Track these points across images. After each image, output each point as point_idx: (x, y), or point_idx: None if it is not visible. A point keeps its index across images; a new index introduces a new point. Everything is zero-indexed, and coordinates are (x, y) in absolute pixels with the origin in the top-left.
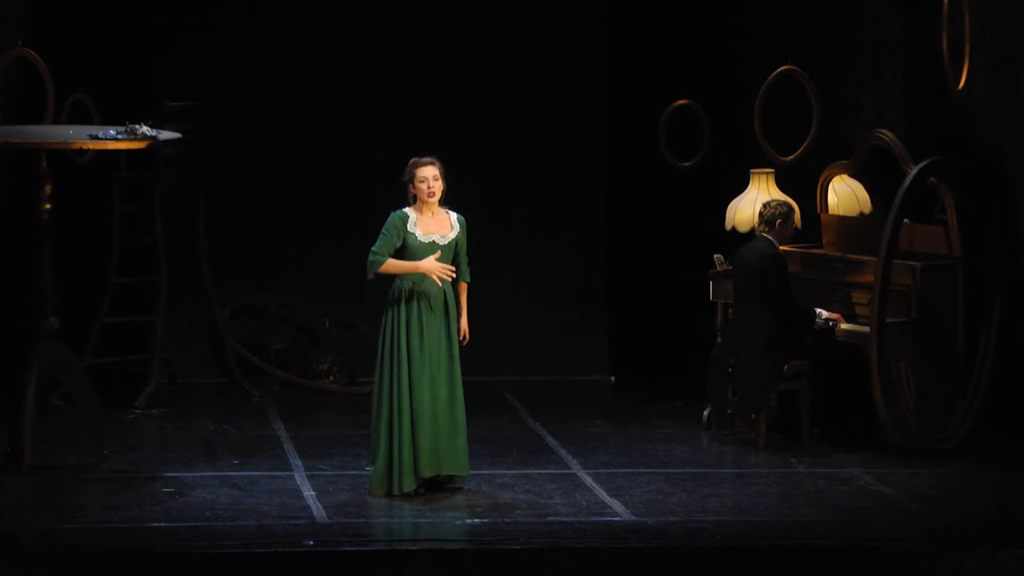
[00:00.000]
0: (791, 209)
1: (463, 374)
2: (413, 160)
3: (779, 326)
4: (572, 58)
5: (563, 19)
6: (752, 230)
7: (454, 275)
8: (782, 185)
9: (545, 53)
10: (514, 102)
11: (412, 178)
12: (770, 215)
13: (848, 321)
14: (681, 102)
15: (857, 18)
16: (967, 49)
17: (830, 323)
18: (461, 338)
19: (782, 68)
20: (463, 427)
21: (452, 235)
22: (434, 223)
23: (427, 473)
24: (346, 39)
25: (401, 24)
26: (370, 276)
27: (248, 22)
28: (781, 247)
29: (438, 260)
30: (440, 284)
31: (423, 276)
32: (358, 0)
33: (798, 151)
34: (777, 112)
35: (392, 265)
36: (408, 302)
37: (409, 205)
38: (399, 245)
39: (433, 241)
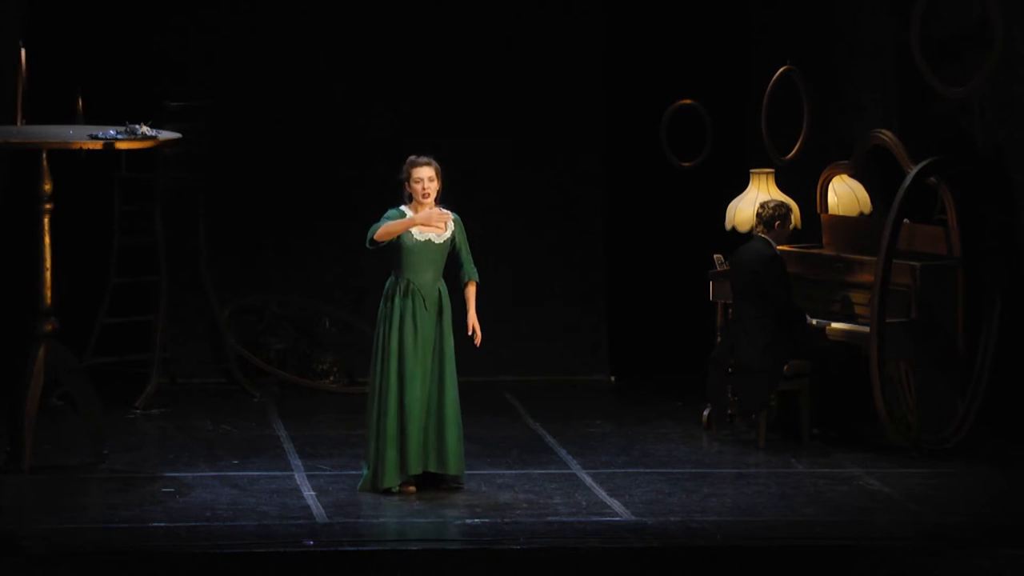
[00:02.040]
0: (789, 210)
1: (462, 374)
2: (410, 159)
3: (779, 326)
4: (572, 58)
5: (563, 19)
6: (752, 230)
7: (450, 216)
8: (782, 185)
9: (545, 53)
10: (514, 102)
11: (408, 177)
12: (769, 216)
13: (848, 321)
14: (684, 102)
15: (857, 18)
16: (995, 52)
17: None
18: (471, 334)
19: (783, 68)
20: (455, 426)
21: (447, 234)
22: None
23: (416, 470)
24: (346, 40)
25: (401, 24)
26: (368, 246)
27: (248, 22)
28: (779, 247)
29: (433, 259)
30: (445, 230)
31: (417, 275)
32: (359, 3)
33: (793, 150)
34: (777, 112)
35: (388, 227)
36: (403, 299)
37: (405, 203)
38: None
39: (429, 240)
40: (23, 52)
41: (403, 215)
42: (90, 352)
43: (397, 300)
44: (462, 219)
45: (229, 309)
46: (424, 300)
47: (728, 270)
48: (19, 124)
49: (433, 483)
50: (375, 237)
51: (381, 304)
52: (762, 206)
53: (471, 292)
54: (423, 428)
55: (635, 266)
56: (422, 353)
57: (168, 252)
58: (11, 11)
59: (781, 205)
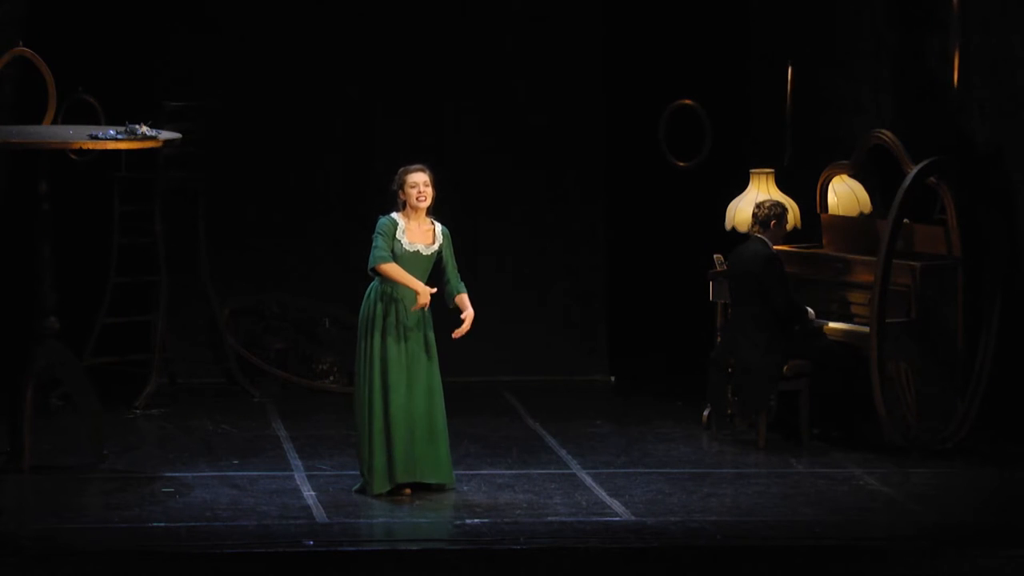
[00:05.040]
0: (785, 209)
1: (462, 374)
2: (403, 168)
3: (779, 326)
4: (572, 58)
5: (563, 19)
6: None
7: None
8: (782, 185)
9: (545, 54)
10: (514, 103)
11: (402, 184)
12: (764, 216)
13: (848, 321)
14: (685, 102)
15: (857, 18)
16: (957, 45)
17: (817, 322)
18: (466, 327)
19: (791, 70)
20: (443, 435)
21: (436, 246)
22: (420, 233)
23: (403, 479)
24: (346, 41)
25: (401, 26)
26: (371, 271)
27: (249, 22)
28: (776, 247)
29: (420, 269)
30: (433, 243)
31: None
32: (359, 3)
33: (787, 150)
34: (776, 111)
35: (394, 269)
36: (387, 307)
37: (398, 211)
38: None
39: (418, 251)
40: (37, 55)
41: (395, 224)
42: (90, 352)
43: (380, 307)
44: (452, 228)
45: (229, 309)
46: (408, 308)
47: (727, 270)
48: (48, 123)
49: (427, 487)
50: (382, 270)
51: (363, 308)
52: (758, 206)
53: (465, 300)
54: (410, 436)
55: (635, 266)
56: (406, 361)
57: (168, 252)
58: (11, 11)
59: (777, 205)
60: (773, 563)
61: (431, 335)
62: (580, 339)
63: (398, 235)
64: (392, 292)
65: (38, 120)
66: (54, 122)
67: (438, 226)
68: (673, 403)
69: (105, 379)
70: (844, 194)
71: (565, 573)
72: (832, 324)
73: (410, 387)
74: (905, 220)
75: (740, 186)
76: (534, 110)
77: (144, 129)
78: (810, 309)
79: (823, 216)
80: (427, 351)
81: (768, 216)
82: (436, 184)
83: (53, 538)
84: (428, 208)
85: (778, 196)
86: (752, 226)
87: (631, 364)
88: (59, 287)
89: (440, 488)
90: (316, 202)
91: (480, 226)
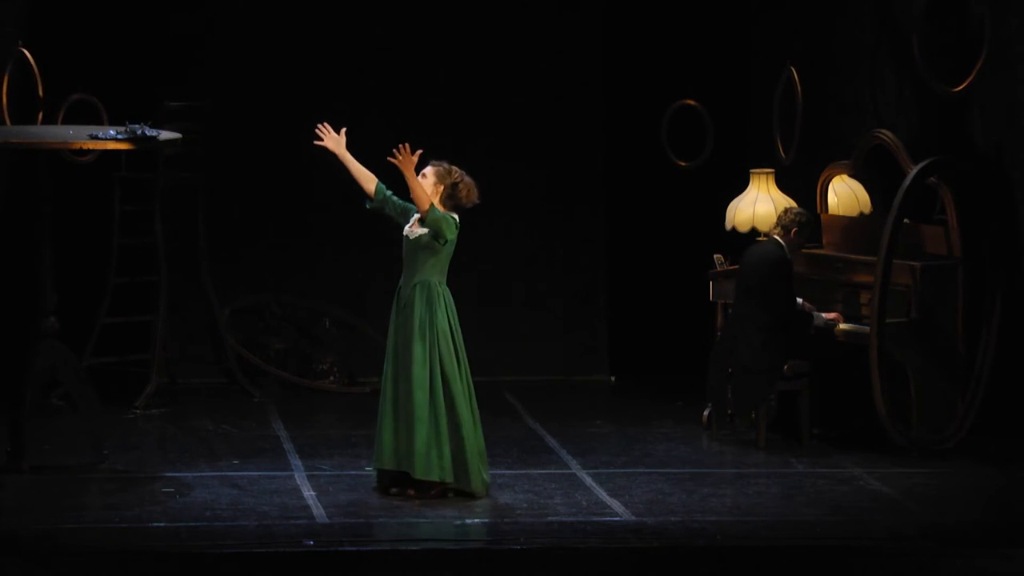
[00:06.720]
0: (810, 220)
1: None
2: None
3: (777, 325)
4: (572, 58)
5: (563, 19)
6: (752, 230)
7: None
8: (782, 185)
9: (545, 54)
10: (514, 103)
11: None
12: (788, 221)
13: (848, 321)
14: (687, 102)
15: (857, 18)
16: (983, 52)
17: (829, 323)
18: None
19: (789, 69)
20: (425, 427)
21: (420, 231)
22: (419, 220)
23: (384, 464)
24: (346, 40)
25: (401, 28)
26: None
27: (249, 22)
28: (790, 255)
29: (409, 256)
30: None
31: (403, 272)
32: (359, 3)
33: (791, 150)
34: (776, 111)
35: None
36: (395, 299)
37: None
38: (393, 215)
39: (405, 235)
40: (29, 55)
41: (414, 211)
42: (90, 352)
43: (393, 302)
44: (458, 219)
45: (229, 309)
46: (403, 301)
47: (729, 270)
48: (39, 123)
49: (426, 487)
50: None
51: None
52: (786, 211)
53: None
54: (393, 424)
55: (635, 266)
56: (391, 351)
57: (168, 252)
58: (11, 11)
59: (803, 215)
60: (773, 563)
61: (416, 328)
62: (580, 339)
63: (408, 220)
64: (400, 281)
65: (33, 120)
66: (53, 122)
67: (438, 212)
68: (673, 403)
69: (105, 379)
70: (844, 194)
71: (565, 573)
72: (841, 326)
73: (396, 376)
74: (905, 220)
75: (740, 186)
76: (534, 110)
77: (144, 129)
78: (820, 314)
79: (823, 216)
80: (414, 335)
81: (791, 222)
82: (445, 181)
83: (53, 538)
84: (435, 199)
85: (778, 196)
86: (774, 227)
87: (631, 364)
88: (59, 287)
89: (434, 487)
90: (316, 202)
91: (480, 226)
